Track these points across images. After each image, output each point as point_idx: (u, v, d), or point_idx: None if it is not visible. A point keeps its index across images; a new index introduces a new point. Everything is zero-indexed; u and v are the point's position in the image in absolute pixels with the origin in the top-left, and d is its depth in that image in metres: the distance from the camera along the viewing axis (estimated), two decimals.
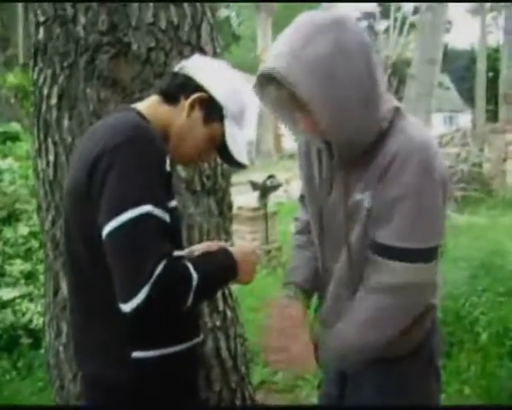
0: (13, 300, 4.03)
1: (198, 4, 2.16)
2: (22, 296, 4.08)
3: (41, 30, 2.10)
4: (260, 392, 3.17)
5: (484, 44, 23.28)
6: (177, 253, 1.27)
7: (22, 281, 4.23)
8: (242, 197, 6.79)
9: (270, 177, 6.89)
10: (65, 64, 2.07)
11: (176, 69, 1.47)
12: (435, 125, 13.56)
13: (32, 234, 4.53)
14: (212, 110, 1.42)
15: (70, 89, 2.08)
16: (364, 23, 31.69)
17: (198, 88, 1.41)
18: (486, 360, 3.37)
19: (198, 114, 1.42)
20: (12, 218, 4.70)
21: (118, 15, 2.02)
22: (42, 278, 3.61)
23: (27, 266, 4.33)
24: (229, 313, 2.33)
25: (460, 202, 9.27)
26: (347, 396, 1.58)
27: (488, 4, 24.32)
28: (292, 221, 1.76)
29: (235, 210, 2.82)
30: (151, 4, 2.04)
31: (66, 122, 2.10)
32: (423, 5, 9.63)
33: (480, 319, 3.74)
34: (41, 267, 3.92)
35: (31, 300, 4.09)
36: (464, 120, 30.31)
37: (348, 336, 1.38)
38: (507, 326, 3.63)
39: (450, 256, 4.83)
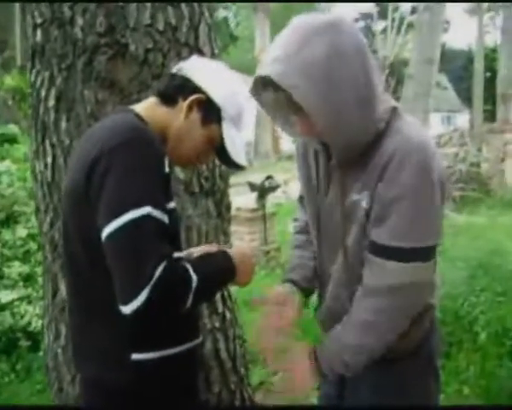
0: (11, 302, 4.02)
1: (196, 5, 2.16)
2: (21, 299, 4.08)
3: (38, 32, 2.10)
4: (259, 393, 3.17)
5: (481, 44, 23.32)
6: (176, 254, 1.27)
7: (21, 283, 4.22)
8: (241, 198, 6.78)
9: (269, 178, 6.88)
10: (63, 66, 2.06)
11: (174, 70, 1.47)
12: (433, 125, 13.58)
13: (31, 236, 4.52)
14: (210, 112, 1.42)
15: (68, 91, 2.08)
16: (362, 24, 31.73)
17: (196, 89, 1.41)
18: (485, 359, 3.37)
19: (196, 115, 1.41)
20: (10, 220, 4.70)
21: (115, 17, 2.02)
22: (40, 280, 3.60)
23: (26, 269, 4.33)
24: (228, 315, 2.33)
25: (458, 201, 9.29)
26: (346, 397, 1.58)
27: (486, 4, 24.37)
28: (290, 222, 1.77)
29: (233, 211, 2.82)
30: (148, 5, 2.04)
31: (63, 124, 2.10)
32: (421, 5, 9.64)
33: (479, 319, 3.74)
34: (39, 269, 3.92)
35: (29, 302, 4.09)
36: (462, 119, 30.35)
37: (347, 338, 1.38)
38: (506, 326, 3.63)
39: (448, 256, 4.83)
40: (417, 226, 1.30)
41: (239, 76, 1.52)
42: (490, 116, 21.05)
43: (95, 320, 1.35)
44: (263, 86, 1.34)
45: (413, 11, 19.69)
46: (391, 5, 24.56)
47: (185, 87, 1.41)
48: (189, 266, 1.25)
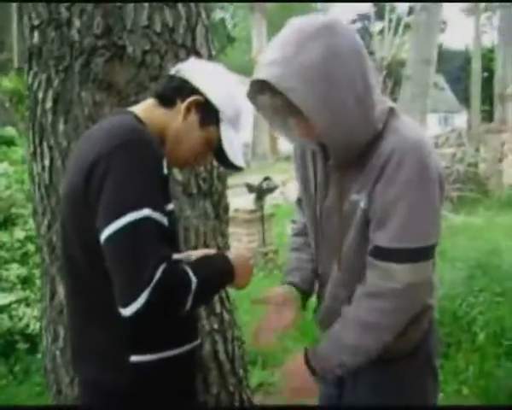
0: (9, 305, 4.02)
1: (193, 6, 2.16)
2: (19, 301, 4.07)
3: (35, 33, 2.10)
4: (258, 394, 3.16)
5: (478, 45, 23.39)
6: (175, 256, 1.27)
7: (19, 286, 4.22)
8: (239, 200, 6.77)
9: (266, 179, 6.88)
10: (60, 68, 2.06)
11: (172, 72, 1.47)
12: (430, 125, 13.58)
13: (28, 238, 4.52)
14: (208, 113, 1.42)
15: (65, 92, 2.07)
16: (359, 25, 31.76)
17: (194, 91, 1.40)
18: (484, 360, 3.38)
19: (194, 117, 1.41)
20: (8, 222, 4.70)
21: (112, 18, 2.01)
22: (38, 282, 3.60)
23: (24, 271, 4.32)
24: (226, 316, 2.33)
25: (456, 202, 9.31)
26: (345, 397, 1.58)
27: (482, 4, 24.44)
28: (288, 223, 1.77)
29: (231, 213, 2.82)
30: (146, 6, 2.04)
31: (61, 126, 2.09)
32: (418, 5, 9.66)
33: (478, 320, 3.74)
34: (37, 272, 3.91)
35: (27, 304, 4.09)
36: (459, 120, 30.39)
37: (344, 338, 1.38)
38: (504, 326, 3.64)
39: (446, 257, 4.84)
40: (418, 226, 1.30)
41: (236, 77, 1.53)
42: (487, 116, 21.09)
43: (94, 322, 1.34)
44: (260, 90, 1.34)
45: (410, 12, 19.72)
46: (388, 6, 24.62)
47: (183, 89, 1.41)
48: (188, 269, 1.25)
